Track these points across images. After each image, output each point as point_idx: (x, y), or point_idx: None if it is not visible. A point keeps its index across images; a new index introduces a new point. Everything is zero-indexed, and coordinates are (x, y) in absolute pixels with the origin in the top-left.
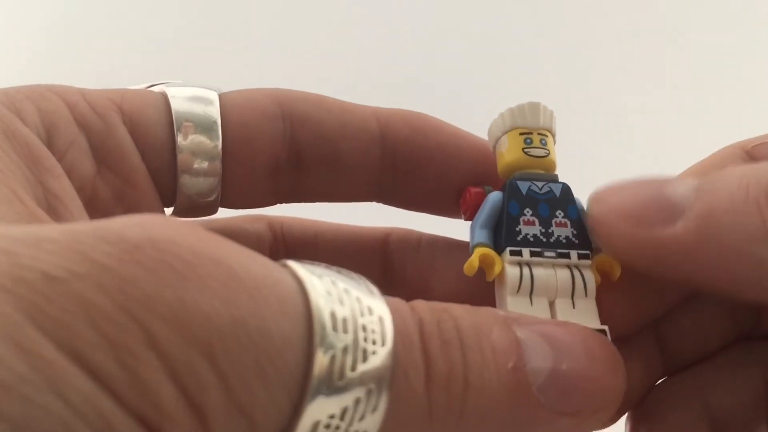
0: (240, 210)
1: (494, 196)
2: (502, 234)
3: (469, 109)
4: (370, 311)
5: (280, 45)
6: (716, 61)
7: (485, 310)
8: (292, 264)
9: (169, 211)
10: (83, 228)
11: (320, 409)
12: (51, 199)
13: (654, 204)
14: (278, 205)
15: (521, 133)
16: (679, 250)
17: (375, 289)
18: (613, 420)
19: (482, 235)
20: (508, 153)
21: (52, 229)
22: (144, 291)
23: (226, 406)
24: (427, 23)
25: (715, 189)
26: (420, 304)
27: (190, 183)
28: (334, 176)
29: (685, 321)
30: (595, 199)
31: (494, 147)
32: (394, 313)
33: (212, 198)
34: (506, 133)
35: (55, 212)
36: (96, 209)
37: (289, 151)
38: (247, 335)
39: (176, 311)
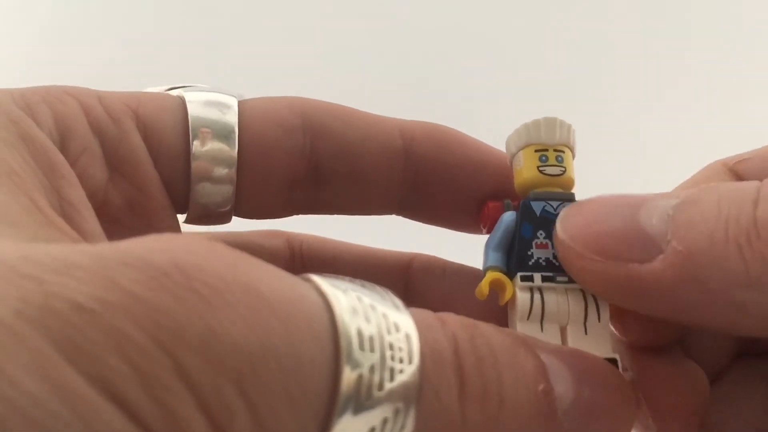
0: (256, 221)
1: (508, 217)
2: (514, 258)
3: (473, 111)
4: (397, 328)
5: (280, 46)
6: (727, 66)
7: (509, 331)
8: (316, 278)
9: (181, 218)
10: (109, 252)
11: (347, 430)
12: (66, 207)
13: (628, 237)
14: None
15: (536, 150)
16: (657, 289)
17: (401, 304)
18: None
19: (494, 258)
20: (524, 171)
21: (79, 253)
22: (174, 320)
23: None
24: (434, 22)
25: (692, 222)
26: (451, 318)
27: (204, 191)
28: (354, 190)
29: (691, 341)
30: (562, 227)
31: (511, 162)
32: (424, 328)
33: (226, 207)
34: (522, 149)
35: (71, 220)
36: (107, 216)
37: (308, 165)
38: (276, 361)
39: (206, 340)
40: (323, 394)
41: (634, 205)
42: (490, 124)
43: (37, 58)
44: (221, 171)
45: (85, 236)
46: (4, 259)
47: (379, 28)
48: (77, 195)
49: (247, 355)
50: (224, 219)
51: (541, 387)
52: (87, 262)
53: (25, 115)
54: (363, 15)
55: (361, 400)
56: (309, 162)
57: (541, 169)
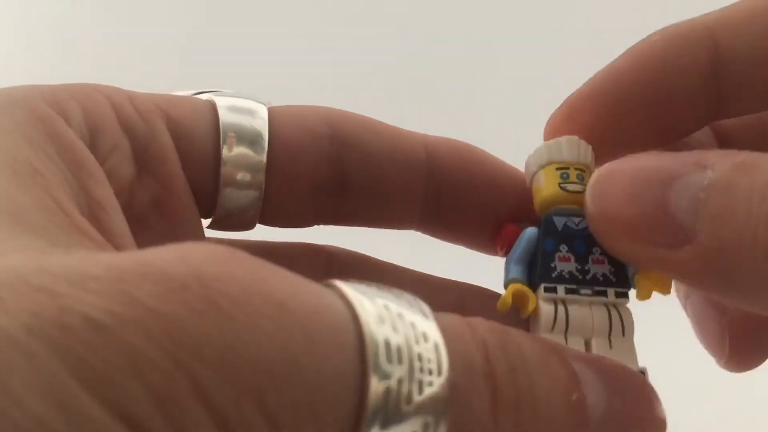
0: (280, 230)
1: (530, 232)
2: (537, 270)
3: (471, 110)
4: (425, 338)
5: (279, 46)
6: None
7: (540, 338)
8: (340, 285)
9: (205, 222)
10: (126, 264)
11: None
12: (93, 206)
13: (657, 222)
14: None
15: (558, 168)
16: (684, 275)
17: (429, 311)
18: None
19: (516, 271)
20: (545, 188)
21: (95, 265)
22: (191, 336)
23: None
24: (432, 22)
25: (721, 216)
26: (481, 324)
27: (231, 196)
28: (377, 201)
29: None
30: (592, 200)
31: (530, 181)
32: (453, 335)
33: (251, 213)
34: (543, 167)
35: (97, 220)
36: (133, 215)
37: (334, 173)
38: (299, 375)
39: (225, 357)
40: (349, 409)
41: (665, 181)
42: (501, 131)
43: (37, 57)
44: (248, 176)
45: (111, 236)
46: (18, 270)
47: (387, 34)
48: (105, 194)
49: (269, 371)
50: (248, 225)
51: (574, 396)
52: (103, 274)
53: (53, 112)
54: (373, 21)
55: (389, 414)
56: (335, 170)
57: (562, 185)
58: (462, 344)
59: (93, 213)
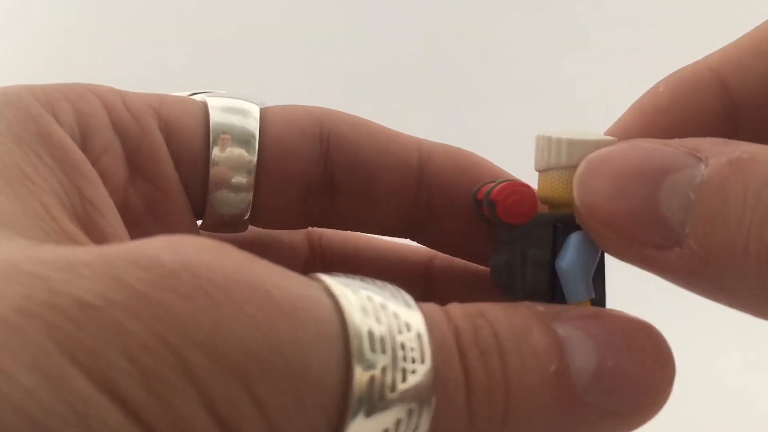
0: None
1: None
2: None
3: (471, 112)
4: (408, 327)
5: (278, 47)
6: None
7: (523, 307)
8: (325, 278)
9: (198, 223)
10: (117, 251)
11: (360, 431)
12: (87, 207)
13: (645, 221)
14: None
15: None
16: (672, 276)
17: (412, 302)
18: None
19: (592, 291)
20: None
21: (85, 252)
22: (179, 318)
23: None
24: (431, 22)
25: (712, 220)
26: (454, 310)
27: (222, 197)
28: (367, 204)
29: None
30: (579, 191)
31: (571, 168)
32: (432, 324)
33: (243, 214)
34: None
35: (92, 220)
36: (127, 216)
37: (323, 173)
38: (284, 362)
39: (212, 338)
40: (334, 396)
41: (656, 177)
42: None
43: (36, 59)
44: (240, 178)
45: (106, 238)
46: (9, 258)
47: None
48: (99, 194)
49: (255, 356)
50: (240, 227)
51: (553, 368)
52: (93, 260)
53: (45, 112)
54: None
55: (374, 401)
56: (325, 170)
57: None
58: (439, 332)
59: (87, 213)
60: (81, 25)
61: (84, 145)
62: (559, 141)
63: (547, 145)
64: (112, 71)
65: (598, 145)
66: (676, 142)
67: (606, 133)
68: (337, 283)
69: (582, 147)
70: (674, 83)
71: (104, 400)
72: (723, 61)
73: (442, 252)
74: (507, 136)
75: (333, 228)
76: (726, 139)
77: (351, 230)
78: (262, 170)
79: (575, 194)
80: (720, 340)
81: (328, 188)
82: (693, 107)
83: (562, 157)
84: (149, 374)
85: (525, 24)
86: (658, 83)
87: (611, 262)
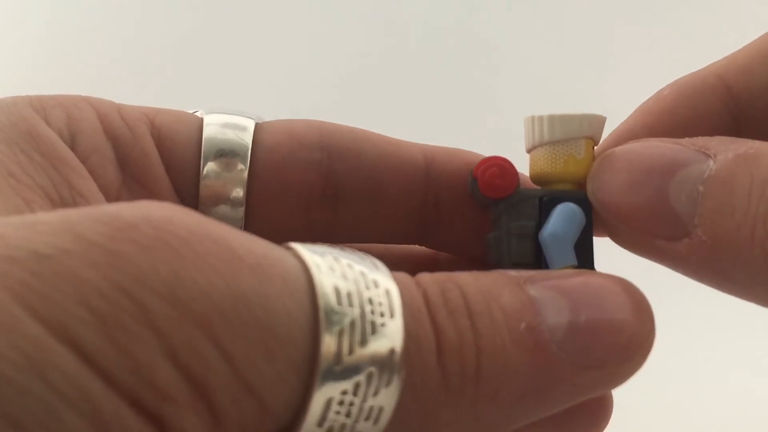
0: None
1: (580, 212)
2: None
3: (470, 114)
4: (376, 284)
5: (278, 47)
6: None
7: (495, 274)
8: (294, 245)
9: None
10: (79, 211)
11: (332, 385)
12: (77, 199)
13: (656, 214)
14: None
15: (595, 147)
16: (681, 266)
17: (381, 264)
18: None
19: (574, 257)
20: (585, 163)
21: (47, 214)
22: (138, 267)
23: (232, 386)
24: (431, 22)
25: (720, 212)
26: (424, 276)
27: (219, 212)
28: (374, 212)
29: None
30: (592, 185)
31: (555, 143)
32: (401, 286)
33: (237, 227)
34: (585, 138)
35: None
36: None
37: (326, 183)
38: (249, 312)
39: (172, 287)
40: (303, 349)
41: (666, 171)
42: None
43: (36, 62)
44: (229, 190)
45: None
46: None
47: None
48: (89, 187)
49: (217, 302)
50: None
51: (523, 325)
52: (53, 219)
53: (36, 114)
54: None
55: (344, 354)
56: (327, 180)
57: None
58: (408, 294)
59: (77, 204)
60: (80, 32)
61: (73, 145)
62: (541, 118)
63: (531, 124)
64: (109, 78)
65: (581, 120)
66: (686, 140)
67: (612, 135)
68: (304, 249)
69: (563, 121)
70: (679, 86)
71: (58, 346)
72: (728, 66)
73: (453, 255)
74: (507, 136)
75: (338, 242)
76: (734, 138)
77: (357, 242)
78: (258, 182)
79: (588, 191)
80: (727, 340)
81: (331, 199)
82: (697, 109)
83: (545, 133)
84: (107, 322)
85: (525, 24)
86: (663, 87)
87: (621, 264)
